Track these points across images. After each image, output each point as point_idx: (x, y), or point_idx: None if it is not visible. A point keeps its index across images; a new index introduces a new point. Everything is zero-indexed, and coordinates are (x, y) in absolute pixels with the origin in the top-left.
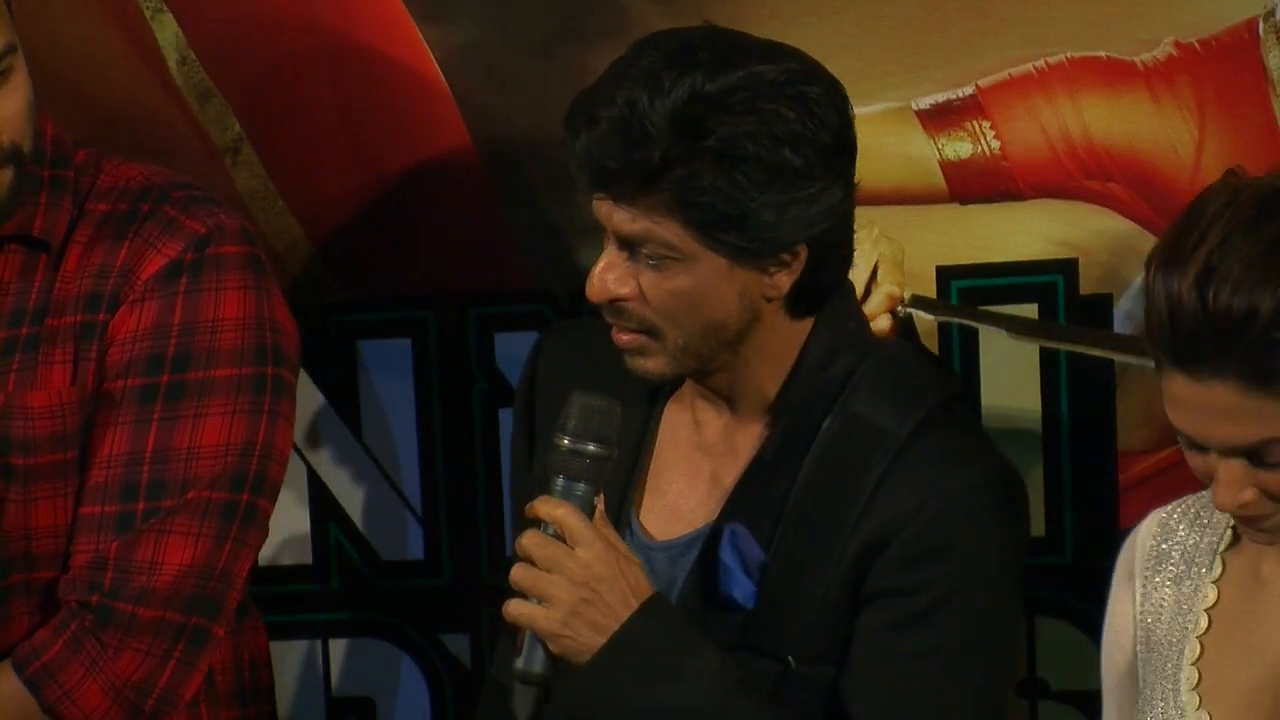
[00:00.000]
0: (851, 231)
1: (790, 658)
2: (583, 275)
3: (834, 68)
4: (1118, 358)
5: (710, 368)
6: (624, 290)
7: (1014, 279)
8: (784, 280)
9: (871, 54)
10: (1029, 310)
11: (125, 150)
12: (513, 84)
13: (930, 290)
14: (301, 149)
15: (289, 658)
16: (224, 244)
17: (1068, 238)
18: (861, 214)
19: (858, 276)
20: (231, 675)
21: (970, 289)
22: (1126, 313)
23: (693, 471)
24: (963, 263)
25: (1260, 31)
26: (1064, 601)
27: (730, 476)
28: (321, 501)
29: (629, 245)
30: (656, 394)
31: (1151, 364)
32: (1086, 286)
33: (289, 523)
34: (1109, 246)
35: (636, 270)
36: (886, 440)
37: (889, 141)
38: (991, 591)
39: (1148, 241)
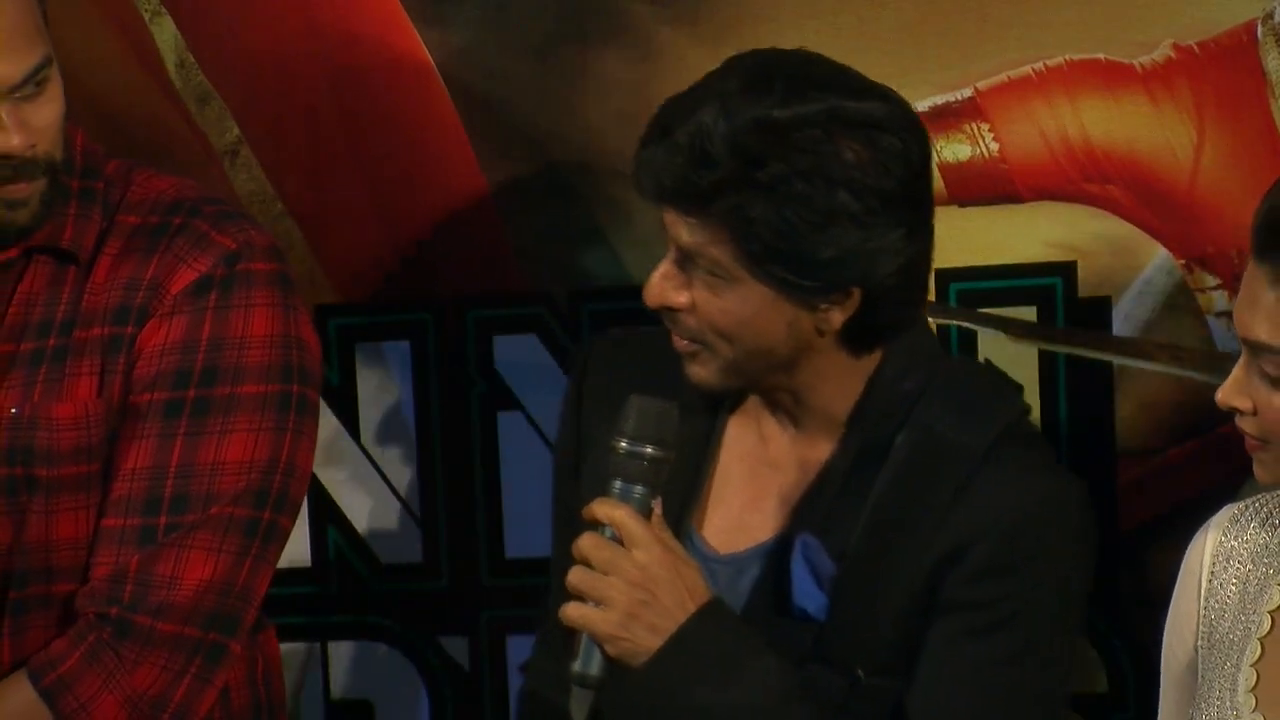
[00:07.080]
0: (923, 276)
1: (860, 671)
2: (581, 278)
3: None
4: (1116, 360)
5: (764, 385)
6: (678, 300)
7: (1012, 281)
8: (836, 317)
9: (870, 56)
10: (1028, 313)
11: (124, 153)
12: (511, 87)
13: (929, 293)
14: (300, 152)
15: (288, 661)
16: (254, 260)
17: (1066, 240)
18: None
19: None
20: (246, 690)
21: (969, 291)
22: (1125, 315)
23: (758, 486)
24: (961, 265)
25: (1259, 34)
26: None
27: (798, 491)
28: (320, 504)
29: (687, 256)
30: (718, 406)
31: (1149, 365)
32: (1085, 289)
33: None
34: (1108, 249)
35: (691, 282)
36: (965, 454)
37: None
38: (1064, 604)
39: (1147, 244)
